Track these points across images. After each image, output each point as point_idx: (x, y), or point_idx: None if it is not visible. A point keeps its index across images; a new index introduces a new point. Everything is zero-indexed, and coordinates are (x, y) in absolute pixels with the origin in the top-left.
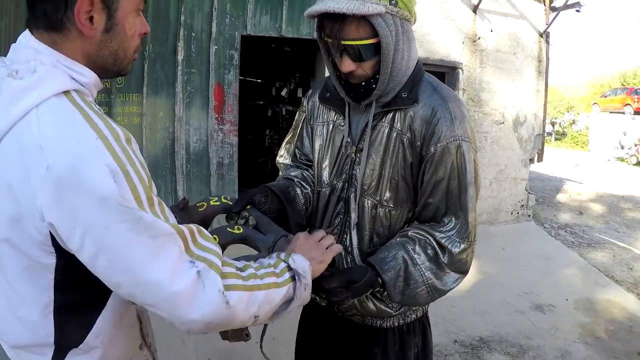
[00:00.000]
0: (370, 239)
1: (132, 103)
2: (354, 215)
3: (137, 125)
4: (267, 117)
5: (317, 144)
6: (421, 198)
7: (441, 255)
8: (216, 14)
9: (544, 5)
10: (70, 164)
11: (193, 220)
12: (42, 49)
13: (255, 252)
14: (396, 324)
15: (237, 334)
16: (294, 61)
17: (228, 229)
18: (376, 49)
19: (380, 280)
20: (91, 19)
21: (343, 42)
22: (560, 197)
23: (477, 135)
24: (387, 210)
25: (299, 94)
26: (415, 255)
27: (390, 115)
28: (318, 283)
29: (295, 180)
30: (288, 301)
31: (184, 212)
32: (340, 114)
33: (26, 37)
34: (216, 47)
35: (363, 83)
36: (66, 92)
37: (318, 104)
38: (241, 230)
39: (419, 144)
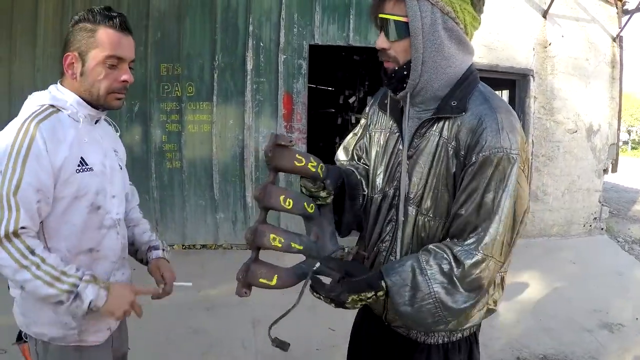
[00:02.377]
0: (413, 250)
1: (202, 111)
2: (400, 224)
3: (208, 133)
4: (337, 125)
5: (374, 151)
6: (454, 207)
7: (455, 269)
8: (284, 23)
9: (616, 8)
10: None
11: (279, 162)
12: (54, 87)
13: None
14: (440, 341)
15: (239, 288)
16: (363, 69)
17: (305, 203)
18: (407, 30)
19: (384, 285)
20: (74, 68)
21: (380, 15)
22: (636, 209)
23: (549, 145)
24: (426, 219)
25: (369, 102)
26: (427, 267)
27: (440, 124)
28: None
29: (363, 182)
30: (59, 302)
31: (280, 148)
32: (395, 120)
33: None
34: (284, 56)
35: (396, 68)
36: (48, 106)
37: (377, 110)
38: (312, 211)
39: (462, 153)
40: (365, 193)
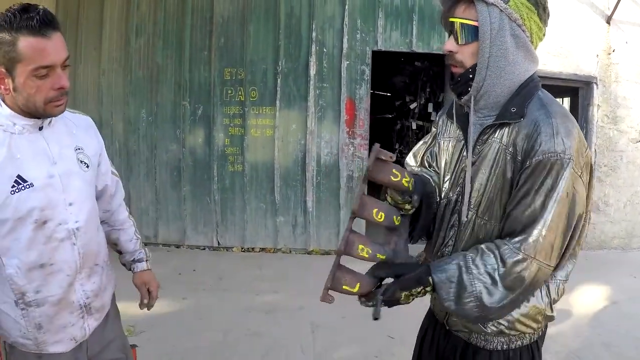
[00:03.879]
0: None
1: (265, 116)
2: (462, 228)
3: (270, 137)
4: (396, 130)
5: (443, 160)
6: (508, 207)
7: (500, 268)
8: (347, 29)
9: None
10: None
11: (376, 174)
12: None
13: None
14: (500, 347)
15: (324, 294)
16: (424, 76)
17: (394, 216)
18: (476, 34)
19: (430, 280)
20: (5, 83)
21: (450, 19)
22: None
23: (612, 155)
24: (482, 222)
25: (430, 108)
26: (472, 266)
27: (501, 130)
28: (371, 271)
29: (437, 190)
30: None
31: (381, 162)
32: (461, 128)
33: None
34: (347, 62)
35: (462, 71)
36: None
37: (446, 120)
38: (399, 222)
39: (520, 158)
40: (439, 200)
